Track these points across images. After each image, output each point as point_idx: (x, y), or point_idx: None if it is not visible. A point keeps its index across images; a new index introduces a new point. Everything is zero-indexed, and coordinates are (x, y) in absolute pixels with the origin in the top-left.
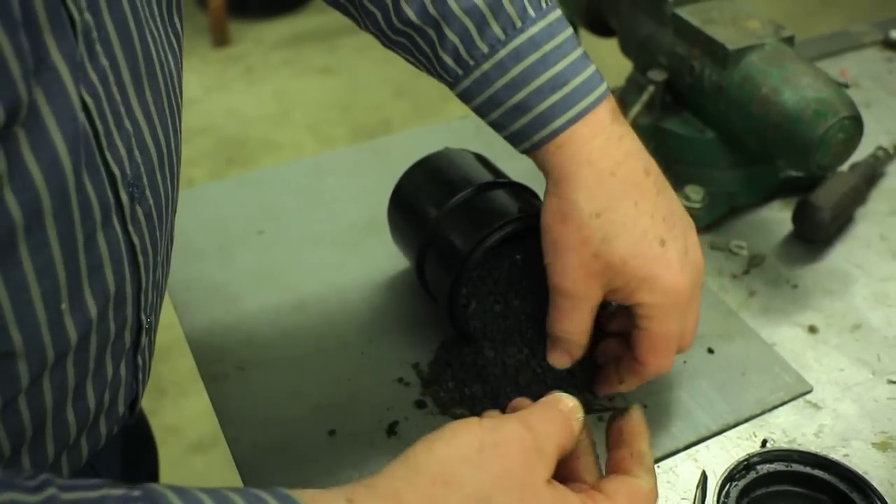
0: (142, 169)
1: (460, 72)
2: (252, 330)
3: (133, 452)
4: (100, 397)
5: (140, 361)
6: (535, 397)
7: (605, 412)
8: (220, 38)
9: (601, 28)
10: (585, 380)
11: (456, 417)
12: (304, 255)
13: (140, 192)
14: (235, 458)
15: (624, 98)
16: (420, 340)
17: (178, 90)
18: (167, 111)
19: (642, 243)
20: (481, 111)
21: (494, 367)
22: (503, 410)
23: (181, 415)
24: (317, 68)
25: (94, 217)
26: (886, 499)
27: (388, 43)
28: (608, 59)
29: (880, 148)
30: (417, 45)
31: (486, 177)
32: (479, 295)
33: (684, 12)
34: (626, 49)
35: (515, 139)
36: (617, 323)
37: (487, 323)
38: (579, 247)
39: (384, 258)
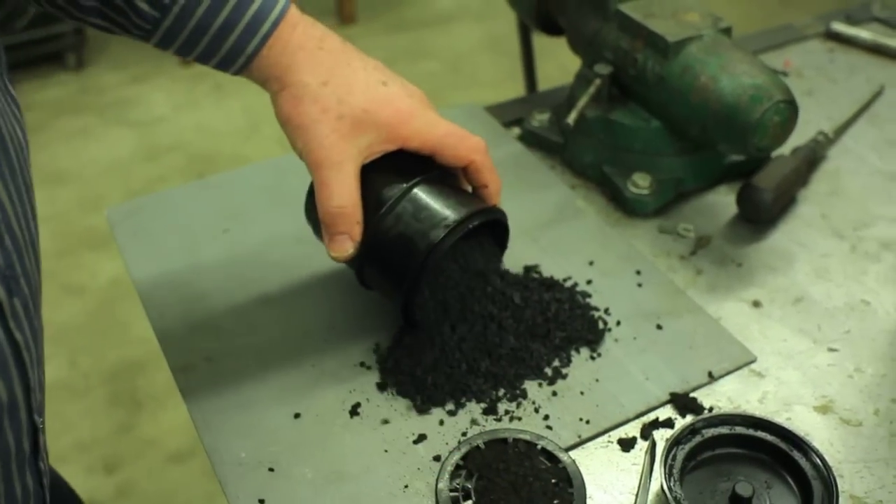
0: (13, 256)
1: (158, 14)
2: (219, 323)
3: None
4: None
5: (42, 466)
6: (484, 379)
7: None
8: None
9: (551, 27)
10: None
11: (415, 403)
12: (267, 251)
13: (16, 283)
14: (204, 444)
15: (573, 92)
16: (379, 326)
17: (27, 167)
18: (24, 189)
19: (370, 91)
20: (187, 47)
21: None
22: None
23: (158, 427)
24: None
25: None
26: (826, 457)
27: (80, 13)
28: (566, 60)
29: (821, 132)
30: (110, 2)
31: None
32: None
33: (627, 8)
34: (574, 45)
35: (229, 60)
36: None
37: (438, 316)
38: (322, 116)
39: None
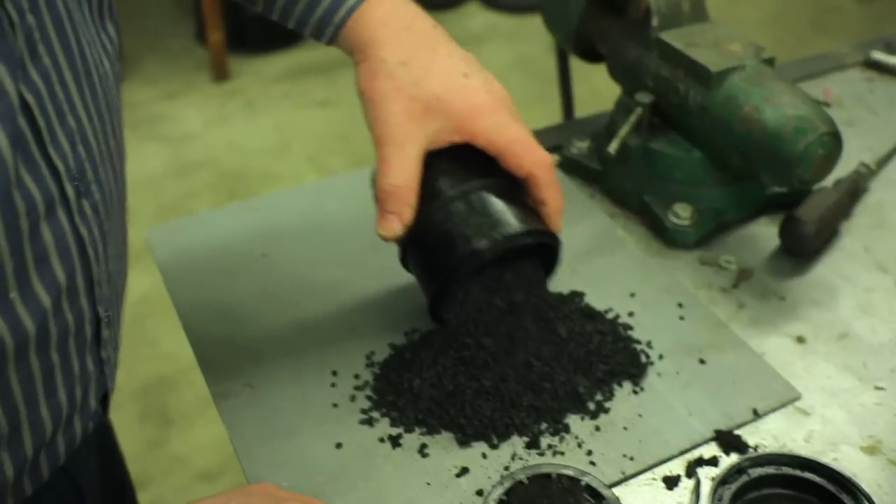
0: (86, 164)
1: None
2: (259, 348)
3: (104, 462)
4: (71, 393)
5: (105, 355)
6: (526, 413)
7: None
8: (220, 73)
9: (590, 54)
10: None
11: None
12: (308, 276)
13: (86, 186)
14: (245, 472)
15: (613, 119)
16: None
17: (114, 92)
18: (105, 110)
19: (449, 79)
20: (285, 14)
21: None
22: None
23: (188, 444)
24: (316, 101)
25: (38, 209)
26: (875, 500)
27: None
28: (604, 85)
29: (863, 164)
30: None
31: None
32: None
33: (668, 37)
34: (615, 73)
35: (320, 29)
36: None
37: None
38: (394, 94)
39: (385, 278)
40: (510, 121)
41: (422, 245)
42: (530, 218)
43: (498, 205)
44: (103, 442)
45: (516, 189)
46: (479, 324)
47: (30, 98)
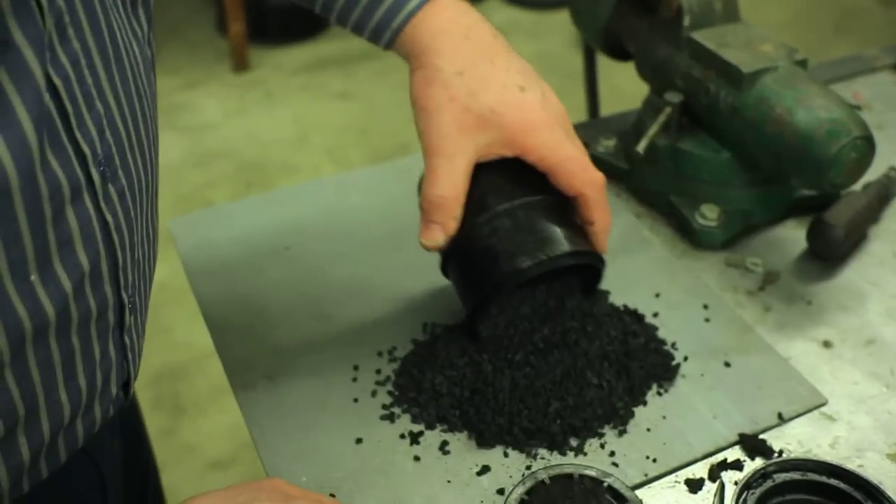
0: (113, 150)
1: None
2: (280, 341)
3: (127, 445)
4: (91, 378)
5: (128, 341)
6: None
7: None
8: (240, 64)
9: (618, 52)
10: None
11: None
12: (329, 269)
13: (112, 172)
14: (264, 464)
15: (641, 119)
16: None
17: (144, 78)
18: (135, 96)
19: (505, 92)
20: (343, 16)
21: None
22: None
23: (199, 433)
24: (335, 93)
25: (63, 193)
26: None
27: None
28: (625, 82)
29: (893, 168)
30: None
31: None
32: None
33: (700, 36)
34: (643, 72)
35: (378, 33)
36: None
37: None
38: (448, 104)
39: (407, 273)
40: (564, 138)
41: (464, 258)
42: (576, 238)
43: (544, 223)
44: (128, 425)
45: (563, 207)
46: (514, 344)
47: (58, 81)
